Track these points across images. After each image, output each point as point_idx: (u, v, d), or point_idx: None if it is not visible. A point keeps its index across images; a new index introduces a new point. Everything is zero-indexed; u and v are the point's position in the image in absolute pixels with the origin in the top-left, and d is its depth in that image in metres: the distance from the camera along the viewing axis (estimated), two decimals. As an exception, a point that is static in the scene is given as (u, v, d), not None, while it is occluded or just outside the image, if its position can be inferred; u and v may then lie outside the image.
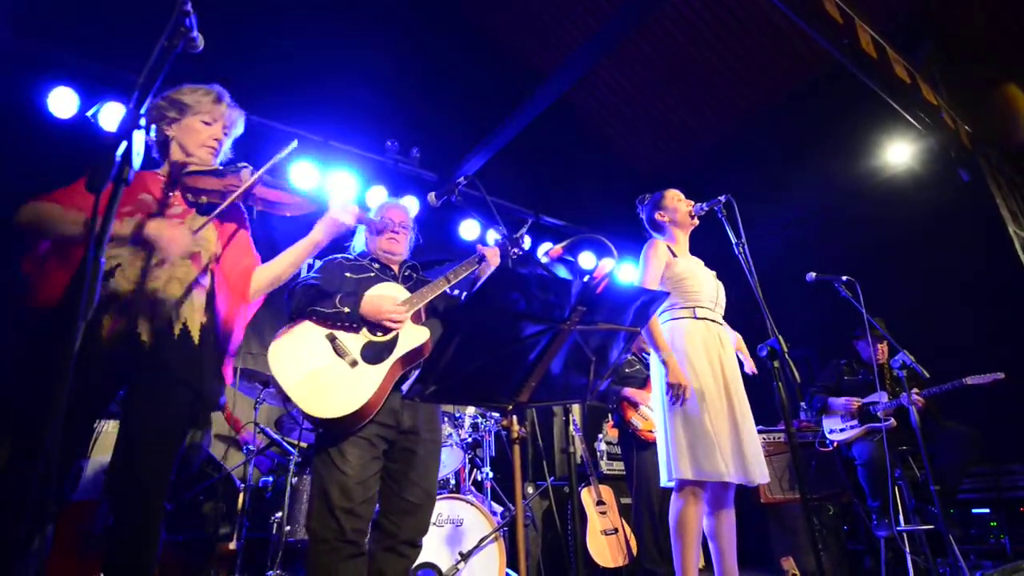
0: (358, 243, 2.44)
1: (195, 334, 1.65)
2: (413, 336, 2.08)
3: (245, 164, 1.80)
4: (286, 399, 2.01)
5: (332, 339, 2.01)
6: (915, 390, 3.58)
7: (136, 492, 1.52)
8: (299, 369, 1.93)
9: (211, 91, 1.84)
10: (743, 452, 2.35)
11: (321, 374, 1.94)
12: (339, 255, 2.34)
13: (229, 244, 1.82)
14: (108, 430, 2.73)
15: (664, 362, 2.45)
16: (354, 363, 1.98)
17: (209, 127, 1.81)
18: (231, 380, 1.89)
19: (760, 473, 2.38)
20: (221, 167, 1.81)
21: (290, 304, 2.11)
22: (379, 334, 2.05)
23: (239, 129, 1.95)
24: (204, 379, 1.68)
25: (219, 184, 1.75)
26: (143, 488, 1.53)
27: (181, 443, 1.65)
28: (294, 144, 1.78)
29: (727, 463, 2.31)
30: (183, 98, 1.80)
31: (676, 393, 2.38)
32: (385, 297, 2.08)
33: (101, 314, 1.54)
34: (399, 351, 2.04)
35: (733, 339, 2.73)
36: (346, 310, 2.02)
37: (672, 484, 2.43)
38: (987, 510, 3.98)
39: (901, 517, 3.59)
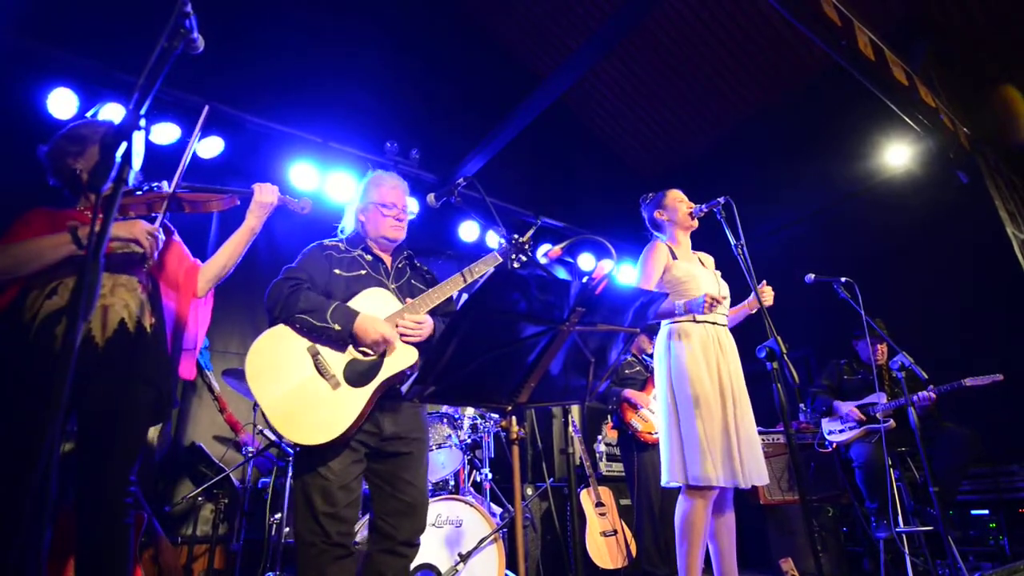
0: (348, 224, 2.31)
1: (148, 331, 1.79)
2: (400, 359, 1.96)
3: (159, 182, 1.94)
4: (263, 415, 1.87)
5: (315, 354, 1.90)
6: (931, 386, 3.61)
7: (98, 491, 1.57)
8: (278, 387, 1.82)
9: (102, 125, 2.00)
10: (737, 456, 2.35)
11: (301, 394, 1.83)
12: (328, 241, 2.21)
13: (165, 252, 1.98)
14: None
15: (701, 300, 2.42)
16: (336, 385, 1.89)
17: None
18: (192, 375, 2.00)
19: (758, 475, 2.38)
20: (137, 185, 1.93)
21: (269, 304, 1.98)
22: (366, 352, 1.95)
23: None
24: (159, 374, 1.80)
25: (142, 200, 1.90)
26: (104, 485, 1.58)
27: (141, 436, 1.72)
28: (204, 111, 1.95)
29: (717, 469, 2.32)
30: (80, 131, 1.94)
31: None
32: (377, 319, 1.94)
33: (54, 327, 1.62)
34: (383, 375, 1.93)
35: (737, 319, 2.77)
36: (336, 327, 1.89)
37: (673, 484, 2.45)
38: (986, 511, 3.98)
39: (900, 519, 3.59)
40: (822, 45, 3.84)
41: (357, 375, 1.91)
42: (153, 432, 1.81)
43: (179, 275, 1.98)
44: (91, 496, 1.57)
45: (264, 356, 1.87)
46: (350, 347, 1.94)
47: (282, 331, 1.93)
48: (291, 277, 2.02)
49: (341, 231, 2.33)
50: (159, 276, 1.94)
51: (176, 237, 2.10)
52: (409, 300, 2.08)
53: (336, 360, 1.92)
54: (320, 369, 1.89)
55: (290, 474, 3.21)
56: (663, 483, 2.49)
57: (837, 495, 4.09)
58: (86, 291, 0.89)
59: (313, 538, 1.86)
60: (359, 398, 1.88)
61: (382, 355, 1.95)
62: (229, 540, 3.25)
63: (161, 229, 1.91)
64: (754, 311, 2.73)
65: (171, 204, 1.95)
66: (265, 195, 2.12)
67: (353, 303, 2.00)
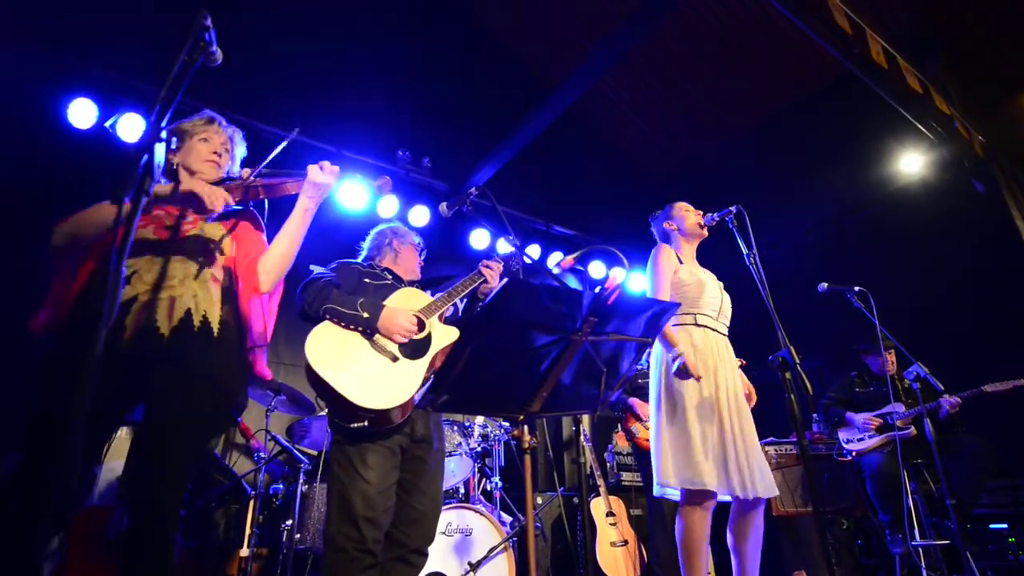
0: (372, 250, 2.47)
1: (215, 327, 1.67)
2: (446, 334, 2.15)
3: (243, 169, 1.94)
4: (324, 392, 1.92)
5: (369, 336, 2.02)
6: (947, 394, 3.57)
7: (153, 496, 1.49)
8: (341, 363, 1.92)
9: (203, 116, 1.98)
10: (734, 464, 2.30)
11: (364, 367, 1.95)
12: (353, 261, 2.35)
13: (240, 240, 1.88)
14: (122, 436, 2.76)
15: (676, 357, 2.37)
16: (395, 358, 2.01)
17: (207, 143, 1.91)
18: (270, 375, 1.89)
19: (763, 487, 2.32)
20: (225, 176, 1.93)
21: (303, 299, 2.08)
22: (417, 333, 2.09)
23: (241, 148, 2.07)
24: (226, 374, 1.69)
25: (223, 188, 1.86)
26: (160, 492, 1.50)
27: (203, 442, 1.64)
28: (293, 134, 2.02)
29: (715, 473, 2.27)
30: (181, 127, 1.93)
31: (691, 372, 2.33)
32: (401, 311, 2.07)
33: (123, 317, 1.56)
34: (436, 347, 2.09)
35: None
36: (365, 315, 2.00)
37: (668, 491, 2.39)
38: (1005, 525, 3.91)
39: (916, 532, 3.53)
40: (834, 53, 3.83)
41: (412, 350, 2.05)
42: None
43: (245, 267, 1.84)
44: (142, 505, 1.50)
45: (323, 343, 1.97)
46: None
47: (331, 323, 2.04)
48: (323, 276, 2.16)
49: (359, 254, 2.49)
50: (234, 269, 1.82)
51: (261, 229, 1.97)
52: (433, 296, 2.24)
53: (388, 340, 2.05)
54: (376, 348, 2.01)
55: (301, 480, 3.22)
56: (655, 493, 2.44)
57: (851, 507, 4.03)
58: (109, 297, 0.91)
59: (346, 543, 1.86)
60: (419, 368, 2.03)
61: (430, 333, 2.12)
62: (240, 546, 3.26)
63: (238, 216, 1.86)
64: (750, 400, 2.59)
65: (246, 191, 1.89)
66: (318, 175, 1.96)
67: (388, 301, 2.13)
